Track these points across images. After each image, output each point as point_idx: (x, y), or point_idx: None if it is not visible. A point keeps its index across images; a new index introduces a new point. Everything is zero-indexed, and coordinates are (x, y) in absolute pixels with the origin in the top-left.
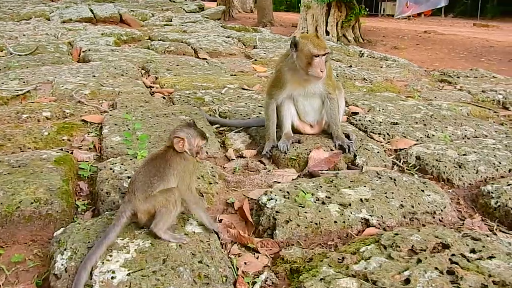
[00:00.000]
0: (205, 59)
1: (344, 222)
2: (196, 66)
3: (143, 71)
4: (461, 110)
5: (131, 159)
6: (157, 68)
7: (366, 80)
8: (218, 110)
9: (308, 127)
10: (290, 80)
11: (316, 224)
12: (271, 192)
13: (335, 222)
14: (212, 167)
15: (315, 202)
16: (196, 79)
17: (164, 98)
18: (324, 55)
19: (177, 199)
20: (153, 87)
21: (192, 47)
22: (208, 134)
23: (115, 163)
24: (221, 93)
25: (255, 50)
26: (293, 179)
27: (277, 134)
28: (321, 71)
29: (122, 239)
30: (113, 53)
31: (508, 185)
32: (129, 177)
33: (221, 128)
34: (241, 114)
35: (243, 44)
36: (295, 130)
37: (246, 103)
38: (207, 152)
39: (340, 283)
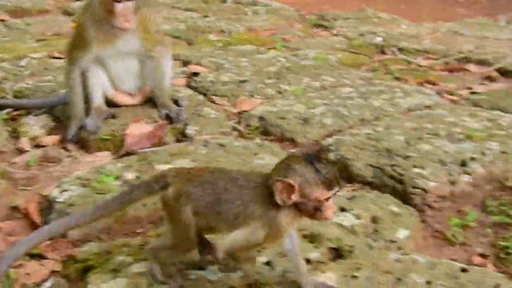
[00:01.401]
0: (3, 20)
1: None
2: None
3: None
4: (330, 58)
5: None
6: None
7: (225, 32)
8: (12, 89)
9: (127, 97)
10: (95, 36)
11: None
12: (66, 183)
13: (145, 205)
14: None
15: (121, 185)
16: None
17: None
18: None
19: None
20: None
21: None
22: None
23: None
24: (20, 66)
25: (78, 3)
26: None
27: (87, 110)
28: (126, 22)
29: None
30: None
31: (351, 135)
32: None
33: (16, 113)
34: (44, 92)
35: None
36: (111, 103)
37: (54, 76)
38: None
39: (132, 269)
